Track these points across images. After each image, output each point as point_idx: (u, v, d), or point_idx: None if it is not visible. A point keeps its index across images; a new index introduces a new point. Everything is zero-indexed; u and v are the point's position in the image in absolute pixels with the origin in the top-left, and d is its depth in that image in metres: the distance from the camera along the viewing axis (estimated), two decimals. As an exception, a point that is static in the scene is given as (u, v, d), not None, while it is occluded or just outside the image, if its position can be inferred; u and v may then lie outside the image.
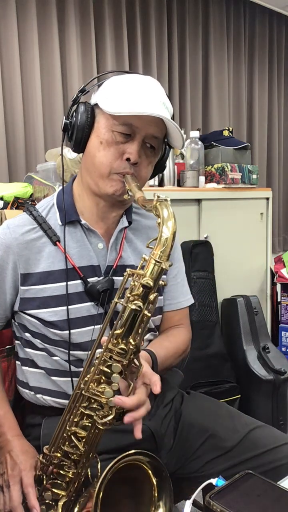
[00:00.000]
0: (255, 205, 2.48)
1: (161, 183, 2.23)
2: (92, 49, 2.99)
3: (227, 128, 2.46)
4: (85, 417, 0.81)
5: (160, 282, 0.78)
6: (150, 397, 0.83)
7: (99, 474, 0.82)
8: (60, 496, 0.84)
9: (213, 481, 0.72)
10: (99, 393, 0.78)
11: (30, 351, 1.02)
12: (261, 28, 4.08)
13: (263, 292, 2.58)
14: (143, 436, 0.80)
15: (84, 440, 0.81)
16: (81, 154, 1.02)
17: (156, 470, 0.80)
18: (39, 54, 2.75)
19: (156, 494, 0.80)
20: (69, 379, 0.98)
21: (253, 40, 4.05)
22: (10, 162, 2.69)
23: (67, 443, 0.82)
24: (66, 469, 0.83)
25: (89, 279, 0.98)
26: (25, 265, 0.98)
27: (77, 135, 0.96)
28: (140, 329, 0.77)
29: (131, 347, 0.77)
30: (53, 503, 0.84)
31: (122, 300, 0.78)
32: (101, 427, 0.79)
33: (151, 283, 0.75)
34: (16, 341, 1.07)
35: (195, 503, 0.75)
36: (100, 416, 0.78)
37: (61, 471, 0.83)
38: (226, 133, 2.41)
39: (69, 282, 0.97)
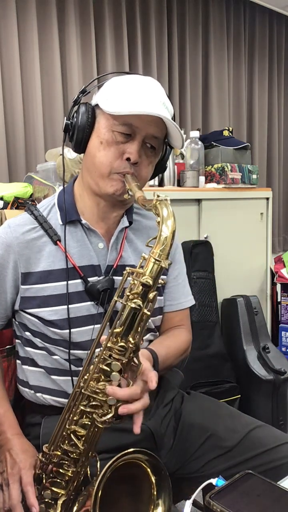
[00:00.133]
0: (255, 205, 2.48)
1: (161, 183, 2.23)
2: (92, 49, 2.99)
3: (227, 128, 2.46)
4: (84, 416, 0.81)
5: (160, 281, 0.78)
6: (150, 396, 0.83)
7: (98, 473, 0.82)
8: (60, 495, 0.84)
9: (213, 481, 0.72)
10: (98, 391, 0.78)
11: (30, 350, 1.02)
12: (261, 28, 4.08)
13: (263, 292, 2.58)
14: (142, 436, 0.80)
15: (83, 438, 0.81)
16: (81, 154, 1.02)
17: (155, 469, 0.80)
18: (39, 54, 2.75)
19: (155, 493, 0.80)
20: (69, 378, 0.98)
21: (253, 40, 4.05)
22: (10, 162, 2.69)
23: (66, 441, 0.82)
24: (66, 468, 0.83)
25: (89, 279, 0.99)
26: (26, 264, 0.98)
27: (78, 136, 0.96)
28: (139, 328, 0.78)
29: (130, 345, 0.77)
30: (53, 502, 0.84)
31: (122, 298, 0.78)
32: (100, 426, 0.79)
33: (151, 282, 0.76)
34: (17, 340, 1.07)
35: (195, 503, 0.75)
36: (100, 415, 0.78)
37: (61, 470, 0.83)
38: (226, 133, 2.41)
39: (69, 282, 0.97)
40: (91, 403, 0.80)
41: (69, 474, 0.83)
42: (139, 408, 0.79)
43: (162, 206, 0.79)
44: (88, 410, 0.80)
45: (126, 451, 0.76)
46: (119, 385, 0.78)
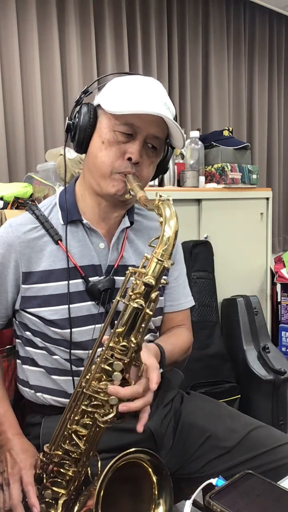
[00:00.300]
0: (255, 205, 2.48)
1: (161, 183, 2.23)
2: (92, 49, 2.99)
3: (227, 128, 2.46)
4: (86, 415, 0.81)
5: (162, 281, 0.78)
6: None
7: (99, 472, 0.82)
8: (60, 495, 0.84)
9: (213, 481, 0.72)
10: (100, 391, 0.79)
11: (30, 350, 1.02)
12: (261, 28, 4.08)
13: (263, 292, 2.58)
14: (143, 436, 0.80)
15: (84, 438, 0.81)
16: (81, 154, 1.02)
17: (156, 468, 0.80)
18: (39, 54, 2.75)
19: (156, 492, 0.80)
20: (69, 377, 0.98)
21: (253, 40, 4.05)
22: (10, 162, 2.69)
23: (67, 441, 0.82)
24: (67, 468, 0.83)
25: (90, 279, 0.99)
26: (27, 264, 0.98)
27: (80, 136, 0.96)
28: (141, 328, 0.78)
29: (132, 345, 0.77)
30: (53, 502, 0.85)
31: (124, 298, 0.78)
32: (102, 425, 0.79)
33: (153, 282, 0.76)
34: (17, 340, 1.07)
35: (195, 503, 0.75)
36: (101, 414, 0.78)
37: (62, 470, 0.84)
38: (226, 133, 2.42)
39: (70, 281, 0.97)
40: (92, 403, 0.80)
41: (70, 474, 0.83)
42: (140, 406, 0.79)
43: (164, 206, 0.79)
44: (90, 409, 0.80)
45: (127, 451, 0.76)
46: (121, 385, 0.78)
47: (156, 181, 2.19)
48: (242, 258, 2.45)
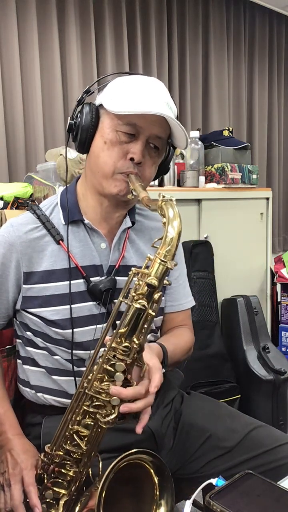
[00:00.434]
0: (255, 205, 2.48)
1: (161, 183, 2.23)
2: (92, 49, 2.99)
3: (227, 128, 2.46)
4: (87, 416, 0.81)
5: (165, 281, 0.78)
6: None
7: (100, 473, 0.82)
8: (61, 495, 0.84)
9: (213, 481, 0.72)
10: (102, 391, 0.79)
11: (31, 350, 1.02)
12: (261, 28, 4.08)
13: (263, 292, 2.58)
14: (143, 436, 0.80)
15: (86, 439, 0.81)
16: (81, 154, 1.02)
17: (158, 469, 0.80)
18: (39, 54, 2.75)
19: (157, 493, 0.80)
20: (69, 378, 0.98)
21: (253, 40, 4.05)
22: (10, 162, 2.69)
23: (69, 441, 0.82)
24: (68, 468, 0.83)
25: (91, 279, 0.99)
26: (28, 264, 0.98)
27: (82, 136, 0.96)
28: (144, 329, 0.78)
29: (134, 346, 0.77)
30: (54, 502, 0.85)
31: (127, 299, 0.78)
32: (104, 426, 0.79)
33: (156, 282, 0.76)
34: (17, 340, 1.07)
35: (195, 503, 0.75)
36: (103, 415, 0.78)
37: (63, 470, 0.84)
38: (226, 133, 2.42)
39: (71, 281, 0.97)
40: (94, 403, 0.80)
41: (71, 474, 0.83)
42: (141, 407, 0.79)
43: (168, 206, 0.79)
44: (92, 410, 0.80)
45: (129, 452, 0.76)
46: (123, 385, 0.78)
47: (156, 181, 2.19)
48: (242, 258, 2.45)
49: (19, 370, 1.07)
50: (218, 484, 0.71)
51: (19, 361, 1.07)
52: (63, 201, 1.03)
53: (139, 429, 0.79)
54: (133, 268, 0.79)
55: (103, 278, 1.00)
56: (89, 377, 0.80)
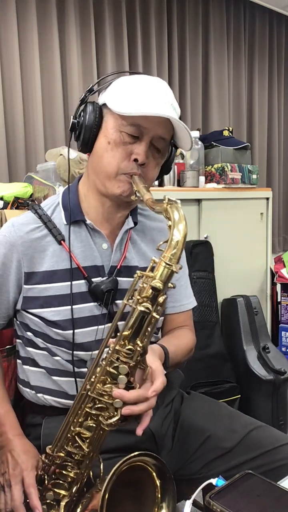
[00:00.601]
0: (255, 205, 2.48)
1: (161, 183, 2.23)
2: (92, 49, 2.99)
3: (227, 128, 2.46)
4: (90, 418, 0.81)
5: (169, 284, 0.77)
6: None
7: (101, 474, 0.82)
8: (62, 496, 0.84)
9: (213, 481, 0.73)
10: (105, 394, 0.78)
11: (31, 350, 1.02)
12: (261, 28, 4.08)
13: (263, 292, 2.58)
14: (144, 437, 0.80)
15: (88, 440, 0.81)
16: (81, 154, 1.02)
17: (160, 472, 0.80)
18: (39, 54, 2.75)
19: (159, 495, 0.80)
20: (70, 379, 0.98)
21: (253, 40, 4.05)
22: (10, 162, 2.69)
23: (70, 443, 0.82)
24: (69, 469, 0.83)
25: (93, 279, 0.98)
26: (29, 264, 0.98)
27: (85, 135, 0.95)
28: (147, 331, 0.77)
29: (138, 348, 0.77)
30: (55, 503, 0.84)
31: (131, 301, 0.78)
32: (106, 428, 0.79)
33: (161, 286, 0.75)
34: (18, 340, 1.07)
35: (195, 503, 0.75)
36: (106, 417, 0.78)
37: (64, 471, 0.83)
38: (226, 133, 2.42)
39: (73, 282, 0.97)
40: (97, 405, 0.79)
41: (72, 476, 0.83)
42: (143, 409, 0.78)
43: (173, 209, 0.78)
44: (94, 412, 0.79)
45: (132, 454, 0.75)
46: (125, 388, 0.78)
47: (156, 181, 2.19)
48: (242, 258, 2.45)
49: (19, 370, 1.07)
50: (218, 484, 0.72)
51: (19, 361, 1.06)
52: (65, 201, 1.02)
53: (139, 431, 0.79)
54: (138, 271, 0.78)
55: (104, 278, 0.99)
56: (92, 379, 0.80)
